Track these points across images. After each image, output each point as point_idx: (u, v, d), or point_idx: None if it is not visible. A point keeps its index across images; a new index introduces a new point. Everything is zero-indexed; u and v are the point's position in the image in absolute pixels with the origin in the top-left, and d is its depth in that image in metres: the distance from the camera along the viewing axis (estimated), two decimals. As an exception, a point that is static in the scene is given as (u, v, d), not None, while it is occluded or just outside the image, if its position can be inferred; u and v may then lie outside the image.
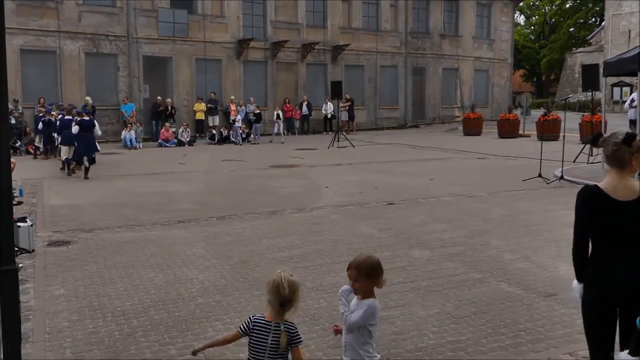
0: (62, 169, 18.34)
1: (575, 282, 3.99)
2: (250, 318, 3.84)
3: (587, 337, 4.01)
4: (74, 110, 18.97)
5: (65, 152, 18.01)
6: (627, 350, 3.36)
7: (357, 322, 3.91)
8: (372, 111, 37.52)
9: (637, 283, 3.69)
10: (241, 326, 3.84)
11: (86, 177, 16.65)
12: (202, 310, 6.61)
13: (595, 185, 3.88)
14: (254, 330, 3.77)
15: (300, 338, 3.83)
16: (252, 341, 3.79)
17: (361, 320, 3.90)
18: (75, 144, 17.24)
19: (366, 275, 3.91)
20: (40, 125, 22.20)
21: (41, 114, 23.18)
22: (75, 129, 17.04)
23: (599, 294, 3.81)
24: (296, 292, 3.80)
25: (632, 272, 3.69)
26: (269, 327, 3.76)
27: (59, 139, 18.95)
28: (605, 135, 3.98)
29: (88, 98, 24.99)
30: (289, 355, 3.83)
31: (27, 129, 24.73)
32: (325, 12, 35.14)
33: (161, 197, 13.81)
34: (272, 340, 3.73)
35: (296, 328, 3.84)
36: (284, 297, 3.74)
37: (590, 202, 3.83)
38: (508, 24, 44.67)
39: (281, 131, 29.96)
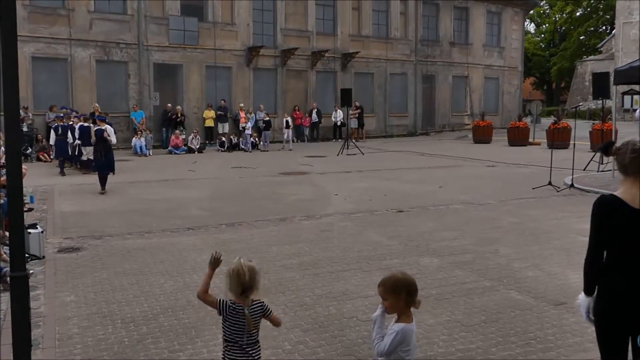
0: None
1: (582, 295, 3.90)
2: (224, 301, 3.95)
3: (600, 348, 3.95)
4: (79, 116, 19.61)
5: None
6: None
7: (385, 350, 3.69)
8: (381, 119, 37.52)
9: None
10: (220, 304, 3.95)
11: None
12: (211, 317, 6.59)
13: (612, 195, 3.79)
14: (230, 314, 3.92)
15: (269, 309, 4.03)
16: (228, 323, 3.94)
17: (390, 348, 3.67)
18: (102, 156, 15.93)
19: (392, 292, 3.73)
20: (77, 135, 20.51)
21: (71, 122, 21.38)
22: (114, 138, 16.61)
23: (616, 305, 3.72)
24: (256, 277, 3.90)
25: None
26: (242, 311, 3.89)
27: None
28: (617, 144, 3.92)
29: (96, 105, 25.13)
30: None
31: (39, 136, 24.84)
32: (335, 19, 35.22)
33: (171, 204, 13.84)
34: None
35: (263, 303, 4.00)
36: (244, 284, 3.85)
37: (609, 212, 3.72)
38: (518, 32, 44.64)
39: (290, 138, 29.96)
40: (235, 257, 4.04)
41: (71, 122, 20.90)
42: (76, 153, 20.48)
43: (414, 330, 3.81)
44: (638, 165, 3.72)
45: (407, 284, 3.77)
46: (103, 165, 15.81)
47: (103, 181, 15.67)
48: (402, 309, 3.76)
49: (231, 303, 3.93)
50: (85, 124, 19.74)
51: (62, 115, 21.79)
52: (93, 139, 16.28)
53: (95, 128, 16.33)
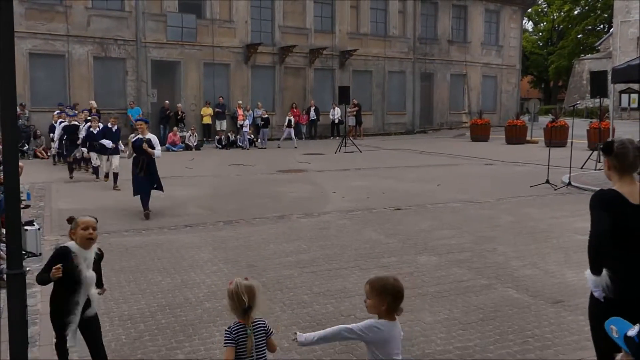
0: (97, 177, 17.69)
1: (588, 272, 3.82)
2: (229, 330, 3.90)
3: (594, 342, 3.98)
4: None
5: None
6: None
7: (353, 332, 3.78)
8: (379, 116, 37.51)
9: None
10: (229, 341, 3.86)
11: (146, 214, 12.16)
12: (209, 314, 6.60)
13: (611, 189, 3.87)
14: (239, 339, 3.87)
15: (270, 330, 4.00)
16: (238, 348, 3.88)
17: (358, 331, 3.75)
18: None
19: (378, 294, 3.73)
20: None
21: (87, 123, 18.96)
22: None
23: (608, 297, 3.77)
24: (255, 296, 3.87)
25: None
26: (247, 331, 3.88)
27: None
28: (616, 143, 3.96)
29: (92, 102, 25.06)
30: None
31: (38, 131, 24.72)
32: (333, 17, 35.19)
33: (168, 202, 13.81)
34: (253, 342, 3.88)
35: (264, 322, 3.99)
36: (244, 305, 3.84)
37: (609, 205, 3.79)
38: (516, 31, 44.64)
39: (292, 136, 29.88)
40: (233, 279, 4.01)
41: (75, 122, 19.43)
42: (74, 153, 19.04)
43: (393, 329, 3.76)
44: (634, 163, 3.84)
45: (395, 290, 3.74)
46: (145, 183, 12.21)
47: (146, 199, 12.23)
48: (383, 312, 3.74)
49: (235, 325, 3.92)
50: (109, 125, 17.51)
51: (71, 113, 20.64)
52: (130, 152, 12.50)
53: (134, 138, 12.43)
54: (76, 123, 19.20)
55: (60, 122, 19.96)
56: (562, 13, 68.44)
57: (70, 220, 4.72)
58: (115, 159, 16.40)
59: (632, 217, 3.72)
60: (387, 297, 3.70)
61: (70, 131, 18.99)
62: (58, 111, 22.50)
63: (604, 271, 3.79)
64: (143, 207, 12.07)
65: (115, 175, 16.03)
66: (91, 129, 17.60)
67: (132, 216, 12.14)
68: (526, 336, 5.96)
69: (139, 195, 12.18)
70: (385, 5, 37.23)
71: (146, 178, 12.14)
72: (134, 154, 12.27)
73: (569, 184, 15.41)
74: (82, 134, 18.52)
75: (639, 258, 3.71)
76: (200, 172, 19.47)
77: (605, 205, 3.79)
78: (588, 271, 3.87)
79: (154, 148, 12.16)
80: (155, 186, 12.33)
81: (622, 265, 3.76)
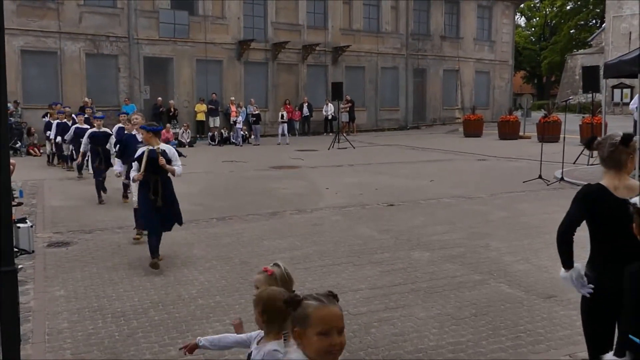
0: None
1: (562, 271, 3.97)
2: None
3: (585, 337, 4.03)
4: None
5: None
6: (613, 351, 3.37)
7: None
8: (372, 113, 37.50)
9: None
10: None
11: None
12: (202, 311, 6.60)
13: (598, 183, 3.94)
14: None
15: None
16: None
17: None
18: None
19: (254, 303, 3.25)
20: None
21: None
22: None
23: (598, 293, 3.82)
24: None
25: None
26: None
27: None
28: (599, 137, 4.06)
29: (87, 99, 24.95)
30: None
31: (32, 129, 24.61)
32: (326, 13, 35.16)
33: (161, 198, 13.76)
34: None
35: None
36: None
37: (593, 198, 3.86)
38: (509, 26, 44.65)
39: (285, 132, 29.87)
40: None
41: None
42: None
43: (266, 350, 3.13)
44: (615, 158, 3.90)
45: (265, 300, 3.17)
46: (159, 217, 8.40)
47: (156, 243, 8.27)
48: (263, 328, 3.24)
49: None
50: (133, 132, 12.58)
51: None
52: (141, 172, 8.40)
53: (144, 147, 8.66)
54: (107, 130, 14.62)
55: (82, 128, 16.24)
56: (555, 8, 68.41)
57: (293, 303, 2.63)
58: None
59: (616, 210, 3.78)
60: (257, 306, 3.21)
61: (99, 141, 14.18)
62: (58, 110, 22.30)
63: (576, 264, 3.91)
64: (151, 253, 8.15)
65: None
66: (126, 132, 13.43)
67: (124, 213, 12.10)
68: (518, 331, 5.98)
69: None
70: (378, 1, 37.21)
71: (162, 210, 8.40)
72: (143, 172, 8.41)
73: (562, 179, 15.44)
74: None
75: (621, 250, 3.76)
76: (193, 168, 19.37)
77: (587, 198, 3.89)
78: (562, 272, 3.97)
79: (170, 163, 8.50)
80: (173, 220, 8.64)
81: (605, 257, 3.85)
